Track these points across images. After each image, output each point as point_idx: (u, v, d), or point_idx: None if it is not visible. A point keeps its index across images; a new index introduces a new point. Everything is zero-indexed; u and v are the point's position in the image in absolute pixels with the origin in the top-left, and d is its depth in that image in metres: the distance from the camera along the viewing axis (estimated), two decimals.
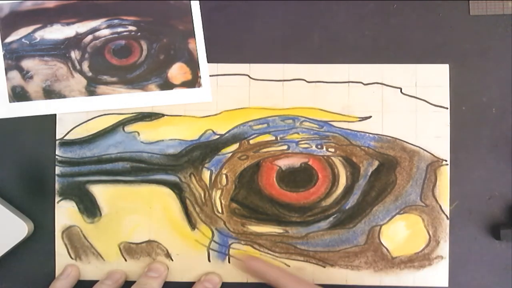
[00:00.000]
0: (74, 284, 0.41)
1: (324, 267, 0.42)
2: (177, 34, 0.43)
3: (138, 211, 0.42)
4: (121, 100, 0.42)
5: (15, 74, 0.42)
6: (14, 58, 0.42)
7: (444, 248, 0.41)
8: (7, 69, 0.42)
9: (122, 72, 0.42)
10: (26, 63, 0.42)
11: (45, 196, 0.42)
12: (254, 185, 0.42)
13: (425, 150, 0.42)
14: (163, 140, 0.42)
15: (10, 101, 0.42)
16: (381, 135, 0.42)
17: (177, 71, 0.43)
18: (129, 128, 0.43)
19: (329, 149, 0.42)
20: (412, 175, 0.42)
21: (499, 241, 0.41)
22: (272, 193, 0.42)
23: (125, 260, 0.42)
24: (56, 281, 0.41)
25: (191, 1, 0.43)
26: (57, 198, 0.42)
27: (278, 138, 0.42)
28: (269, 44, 0.43)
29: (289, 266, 0.42)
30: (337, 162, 0.42)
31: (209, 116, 0.42)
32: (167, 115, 0.43)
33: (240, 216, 0.42)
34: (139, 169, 0.42)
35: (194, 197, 0.42)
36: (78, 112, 0.42)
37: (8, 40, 0.42)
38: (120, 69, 0.42)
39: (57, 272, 0.42)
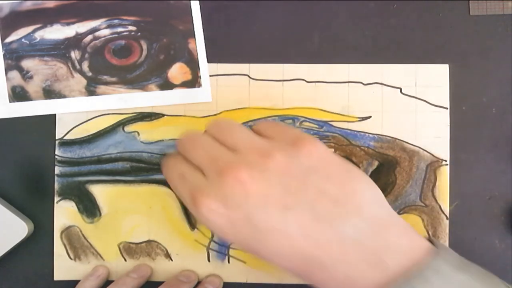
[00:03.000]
0: (102, 286, 0.41)
1: None
2: (177, 34, 0.43)
3: (137, 211, 0.42)
4: (121, 100, 0.42)
5: (15, 74, 0.42)
6: (14, 58, 0.42)
7: None
8: (7, 69, 0.42)
9: (122, 72, 0.42)
10: (26, 63, 0.42)
11: (45, 196, 0.42)
12: None
13: (424, 150, 0.42)
14: (163, 140, 0.42)
15: (10, 101, 0.42)
16: (380, 135, 0.42)
17: (177, 71, 0.43)
18: (129, 128, 0.43)
19: None
20: (411, 175, 0.42)
21: (499, 241, 0.41)
22: None
23: (125, 260, 0.42)
24: (85, 281, 0.40)
25: (191, 1, 0.43)
26: (56, 198, 0.42)
27: None
28: (269, 44, 0.43)
29: None
30: None
31: (209, 116, 0.42)
32: (167, 115, 0.43)
33: None
34: (139, 169, 0.42)
35: None
36: (78, 112, 0.42)
37: (8, 40, 0.42)
38: (120, 69, 0.42)
39: (56, 272, 0.42)
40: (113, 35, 0.42)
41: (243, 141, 0.33)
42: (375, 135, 0.42)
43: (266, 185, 0.30)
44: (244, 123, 0.42)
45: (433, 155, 0.42)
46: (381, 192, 0.33)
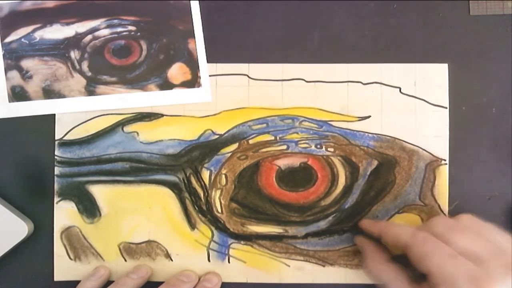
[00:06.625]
0: (102, 286, 0.41)
1: (324, 266, 0.42)
2: (177, 34, 0.43)
3: (137, 211, 0.42)
4: (120, 100, 0.42)
5: (14, 74, 0.42)
6: (14, 58, 0.42)
7: None
8: (7, 69, 0.42)
9: (122, 72, 0.42)
10: (26, 63, 0.42)
11: (45, 197, 0.42)
12: (253, 185, 0.42)
13: (424, 150, 0.42)
14: (162, 140, 0.42)
15: (9, 101, 0.42)
16: (380, 134, 0.42)
17: (177, 71, 0.43)
18: (128, 128, 0.43)
19: (328, 149, 0.42)
20: (411, 174, 0.42)
21: None
22: (272, 193, 0.42)
23: (125, 260, 0.42)
24: (87, 281, 0.40)
25: (191, 1, 0.43)
26: (56, 199, 0.42)
27: (278, 138, 0.42)
28: (268, 44, 0.43)
29: (289, 266, 0.42)
30: (336, 162, 0.42)
31: (209, 116, 0.42)
32: (166, 115, 0.43)
33: (239, 216, 0.42)
34: (139, 169, 0.42)
35: (194, 197, 0.42)
36: (77, 112, 0.42)
37: (8, 40, 0.42)
38: (120, 69, 0.42)
39: (56, 273, 0.42)
40: (113, 35, 0.43)
41: (497, 242, 0.34)
42: (374, 135, 0.42)
43: None
44: (243, 123, 0.42)
45: (432, 154, 0.42)
46: None
